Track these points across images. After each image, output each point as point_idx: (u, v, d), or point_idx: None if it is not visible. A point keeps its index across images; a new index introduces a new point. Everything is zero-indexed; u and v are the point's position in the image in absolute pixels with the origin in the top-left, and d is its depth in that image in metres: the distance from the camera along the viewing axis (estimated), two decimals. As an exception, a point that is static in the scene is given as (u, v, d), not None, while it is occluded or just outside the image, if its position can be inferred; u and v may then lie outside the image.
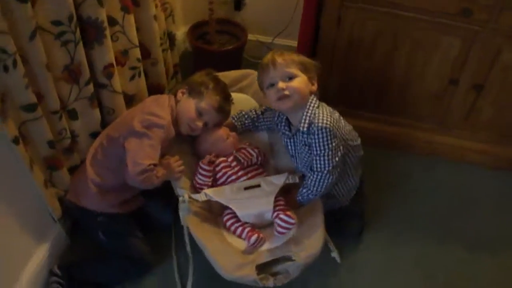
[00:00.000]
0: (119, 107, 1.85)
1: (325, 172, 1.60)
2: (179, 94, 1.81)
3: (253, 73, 2.00)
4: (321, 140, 1.55)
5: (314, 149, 1.57)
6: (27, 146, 1.53)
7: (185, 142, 1.85)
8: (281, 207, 1.66)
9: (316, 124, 1.54)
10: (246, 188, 1.69)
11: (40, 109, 1.49)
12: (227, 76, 1.97)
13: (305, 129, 1.59)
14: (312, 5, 1.98)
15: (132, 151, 1.62)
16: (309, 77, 1.62)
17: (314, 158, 1.59)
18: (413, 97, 2.11)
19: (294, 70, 1.59)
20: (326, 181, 1.61)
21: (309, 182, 1.64)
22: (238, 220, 1.65)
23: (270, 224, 1.65)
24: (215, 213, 1.73)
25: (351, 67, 2.05)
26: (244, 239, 1.62)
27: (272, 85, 1.60)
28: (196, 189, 1.76)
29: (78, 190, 1.74)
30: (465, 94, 2.04)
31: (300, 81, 1.58)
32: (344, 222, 1.90)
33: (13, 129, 1.42)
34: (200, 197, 1.66)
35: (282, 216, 1.59)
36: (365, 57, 2.02)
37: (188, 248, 1.73)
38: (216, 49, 2.50)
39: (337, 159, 1.58)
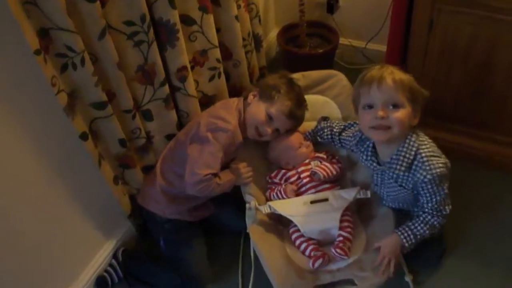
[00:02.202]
0: (193, 111, 1.83)
1: (443, 214, 1.44)
2: (250, 97, 1.74)
3: (338, 75, 1.88)
4: (437, 186, 1.38)
5: (429, 197, 1.41)
6: (98, 143, 1.57)
7: (258, 146, 1.79)
8: (345, 233, 1.53)
9: (432, 173, 1.35)
10: (313, 202, 1.59)
11: (110, 108, 1.51)
12: (308, 76, 1.88)
13: (401, 172, 1.41)
14: (402, 8, 1.80)
15: (191, 158, 1.58)
16: (414, 109, 1.37)
17: (429, 202, 1.43)
18: (510, 111, 1.85)
19: (401, 98, 1.33)
20: (441, 224, 1.45)
21: (424, 226, 1.45)
22: (304, 235, 1.56)
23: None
24: (283, 224, 1.65)
25: (443, 75, 1.84)
26: (307, 256, 1.53)
27: (370, 107, 1.37)
28: (269, 197, 1.70)
29: (146, 193, 1.75)
30: None
31: (405, 114, 1.34)
32: (422, 244, 1.69)
33: (81, 125, 1.46)
34: (264, 209, 1.59)
35: (337, 250, 1.49)
36: (460, 65, 1.80)
37: (252, 257, 1.67)
38: (306, 52, 2.42)
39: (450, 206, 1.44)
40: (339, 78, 1.87)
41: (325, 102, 1.86)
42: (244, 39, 2.03)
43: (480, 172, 1.98)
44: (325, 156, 1.73)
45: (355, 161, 1.74)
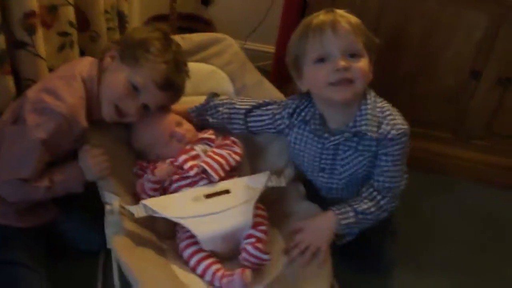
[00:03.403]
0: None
1: (397, 192, 1.24)
2: (107, 59, 1.28)
3: (226, 39, 1.55)
4: (400, 147, 1.19)
5: (390, 161, 1.20)
6: None
7: (120, 126, 1.34)
8: (259, 233, 1.15)
9: (397, 129, 1.18)
10: (208, 196, 1.18)
11: None
12: (189, 39, 1.50)
13: (374, 133, 1.18)
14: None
15: (3, 149, 1.18)
16: (370, 59, 1.18)
17: (384, 174, 1.22)
18: (422, 97, 1.75)
19: (360, 45, 1.14)
20: (391, 206, 1.25)
21: (372, 206, 1.22)
22: (201, 249, 1.14)
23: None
24: (160, 234, 1.21)
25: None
26: (209, 281, 1.11)
27: (323, 60, 1.14)
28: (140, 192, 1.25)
29: None
30: (488, 91, 1.69)
31: (366, 64, 1.16)
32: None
33: None
34: (136, 211, 1.14)
35: (257, 245, 1.10)
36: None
37: (116, 280, 1.18)
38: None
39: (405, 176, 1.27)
40: (228, 43, 1.55)
41: (211, 71, 1.50)
42: (106, 11, 1.62)
43: None
44: (213, 137, 1.33)
45: (253, 140, 1.40)
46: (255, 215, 1.16)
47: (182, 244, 1.15)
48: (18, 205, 1.23)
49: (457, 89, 1.71)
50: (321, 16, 1.15)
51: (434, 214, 1.69)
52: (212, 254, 1.13)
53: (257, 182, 1.22)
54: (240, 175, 1.29)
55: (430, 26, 1.60)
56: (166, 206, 1.15)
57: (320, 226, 1.18)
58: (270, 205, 1.27)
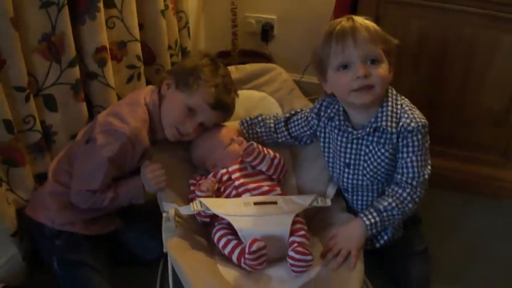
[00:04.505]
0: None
1: (421, 180, 1.23)
2: (164, 87, 1.42)
3: (276, 68, 1.68)
4: (420, 140, 1.22)
5: (411, 152, 1.23)
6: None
7: (177, 146, 1.47)
8: (299, 238, 1.22)
9: (416, 121, 1.21)
10: (256, 204, 1.27)
11: (-5, 72, 1.17)
12: (243, 69, 1.64)
13: (393, 128, 1.22)
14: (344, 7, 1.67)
15: (76, 165, 1.33)
16: (389, 62, 1.23)
17: (404, 165, 1.24)
18: (468, 120, 1.71)
19: (379, 51, 1.20)
20: (417, 195, 1.24)
21: (392, 201, 1.24)
22: (233, 234, 1.23)
23: (282, 258, 1.21)
24: (212, 241, 1.30)
25: (395, 80, 1.68)
26: (237, 258, 1.20)
27: (345, 66, 1.20)
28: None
29: (34, 199, 1.37)
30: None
31: (385, 69, 1.21)
32: (401, 262, 1.39)
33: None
34: (192, 207, 1.25)
35: (297, 249, 1.17)
36: (412, 66, 1.65)
37: (171, 283, 1.28)
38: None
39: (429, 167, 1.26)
40: (278, 72, 1.66)
41: (262, 98, 1.61)
42: (170, 47, 1.80)
43: (436, 192, 1.66)
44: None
45: (299, 159, 1.49)
46: (294, 223, 1.23)
47: (216, 229, 1.26)
48: (85, 214, 1.35)
49: (503, 112, 1.65)
50: (342, 23, 1.21)
51: (479, 235, 1.62)
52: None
53: (303, 200, 1.31)
54: (286, 190, 1.38)
55: (469, 50, 1.59)
56: (219, 205, 1.27)
57: (350, 232, 1.23)
58: (312, 217, 1.35)
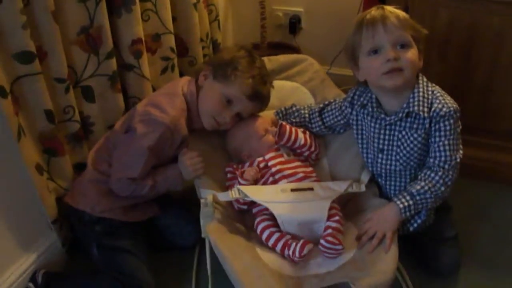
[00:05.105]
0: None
1: (453, 164, 1.24)
2: (201, 78, 1.45)
3: (308, 59, 1.68)
4: (452, 124, 1.23)
5: (443, 136, 1.24)
6: (19, 111, 1.23)
7: (214, 134, 1.50)
8: (334, 223, 1.23)
9: (448, 106, 1.22)
10: (293, 190, 1.29)
11: (38, 63, 1.20)
12: (275, 60, 1.65)
13: (425, 113, 1.24)
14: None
15: (115, 154, 1.37)
16: (419, 49, 1.25)
17: (437, 149, 1.25)
18: (496, 108, 1.69)
19: (408, 37, 1.22)
20: (449, 179, 1.24)
21: (425, 185, 1.25)
22: (275, 226, 1.24)
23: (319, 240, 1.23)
24: (249, 227, 1.32)
25: (423, 70, 1.67)
26: (281, 250, 1.21)
27: (375, 51, 1.23)
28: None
29: (75, 188, 1.41)
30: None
31: (415, 54, 1.23)
32: (432, 248, 1.41)
33: (1, 78, 1.13)
34: (231, 194, 1.27)
35: (328, 238, 1.19)
36: (439, 56, 1.65)
37: (209, 266, 1.31)
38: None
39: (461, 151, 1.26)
40: (310, 63, 1.67)
41: (295, 88, 1.63)
42: (201, 39, 1.82)
43: (466, 181, 1.65)
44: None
45: (333, 148, 1.51)
46: (330, 208, 1.25)
47: (258, 220, 1.27)
48: (124, 201, 1.38)
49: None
50: (372, 12, 1.24)
51: (510, 223, 1.61)
52: (287, 234, 1.23)
53: (339, 186, 1.32)
54: (320, 178, 1.39)
55: (497, 39, 1.58)
56: (257, 192, 1.29)
57: (384, 215, 1.24)
58: (346, 202, 1.36)
